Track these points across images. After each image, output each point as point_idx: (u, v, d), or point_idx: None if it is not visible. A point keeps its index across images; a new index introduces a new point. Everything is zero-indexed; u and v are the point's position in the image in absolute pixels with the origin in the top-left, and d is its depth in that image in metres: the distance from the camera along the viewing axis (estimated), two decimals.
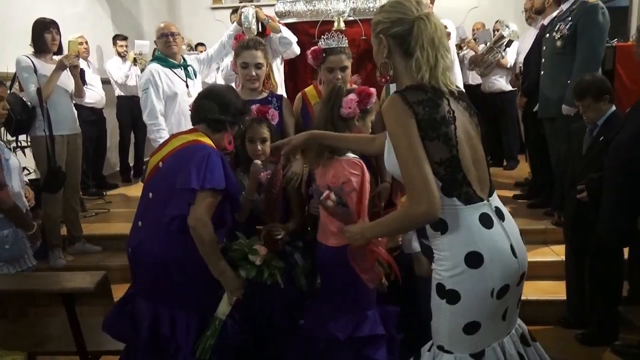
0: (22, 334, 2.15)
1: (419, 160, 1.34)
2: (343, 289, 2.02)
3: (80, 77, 3.73)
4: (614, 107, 2.59)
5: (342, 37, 2.50)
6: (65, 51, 3.62)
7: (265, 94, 2.59)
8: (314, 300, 2.17)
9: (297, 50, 3.37)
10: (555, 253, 3.27)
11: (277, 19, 3.51)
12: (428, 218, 1.37)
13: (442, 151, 1.38)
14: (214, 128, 2.02)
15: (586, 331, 2.73)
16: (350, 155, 1.98)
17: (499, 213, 1.48)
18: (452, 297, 1.42)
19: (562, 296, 2.93)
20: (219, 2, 7.75)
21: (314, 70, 3.61)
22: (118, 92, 5.66)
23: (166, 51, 3.29)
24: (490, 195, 1.49)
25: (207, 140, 1.97)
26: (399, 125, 1.37)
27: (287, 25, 3.55)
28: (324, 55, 2.47)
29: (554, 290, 3.04)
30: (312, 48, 2.50)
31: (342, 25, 3.52)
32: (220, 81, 3.84)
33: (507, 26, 5.15)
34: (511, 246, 1.44)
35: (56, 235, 3.52)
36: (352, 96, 2.08)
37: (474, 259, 1.40)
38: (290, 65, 3.75)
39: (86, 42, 4.97)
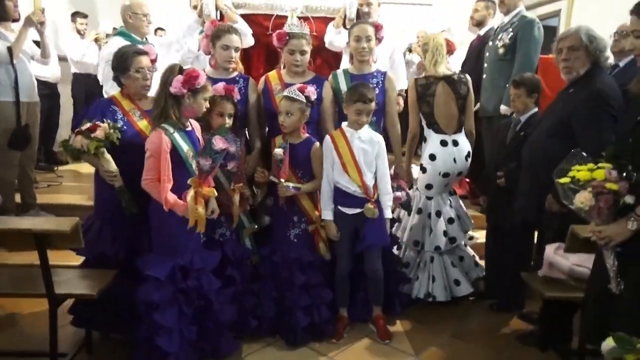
0: None
1: (414, 112, 3.11)
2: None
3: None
4: (537, 109, 3.00)
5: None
6: (22, 19, 3.64)
7: (234, 74, 2.85)
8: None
9: (251, 41, 3.52)
10: (480, 237, 3.69)
11: (234, 9, 3.71)
12: (413, 135, 3.16)
13: (426, 107, 3.04)
14: None
15: (498, 301, 3.15)
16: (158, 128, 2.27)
17: (455, 142, 3.08)
18: (423, 170, 3.12)
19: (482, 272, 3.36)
20: None
21: (267, 59, 3.87)
22: (73, 69, 5.65)
23: (141, 29, 3.45)
24: (454, 133, 3.08)
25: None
26: (410, 97, 3.12)
27: (242, 16, 3.73)
28: (287, 38, 2.76)
29: None
30: (278, 31, 2.78)
31: (295, 20, 3.78)
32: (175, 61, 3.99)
33: (453, 35, 5.59)
34: (454, 158, 3.07)
35: (10, 200, 3.58)
36: (179, 77, 2.27)
37: (432, 156, 3.07)
38: (245, 55, 3.92)
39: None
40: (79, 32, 5.66)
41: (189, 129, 2.39)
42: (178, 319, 2.29)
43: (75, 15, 5.72)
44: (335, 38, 3.60)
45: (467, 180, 3.46)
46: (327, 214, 2.71)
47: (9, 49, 3.40)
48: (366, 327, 2.89)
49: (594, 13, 5.41)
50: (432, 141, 3.08)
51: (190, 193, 2.24)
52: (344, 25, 3.59)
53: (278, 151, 2.57)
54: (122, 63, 2.50)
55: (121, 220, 2.49)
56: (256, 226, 2.80)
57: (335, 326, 2.79)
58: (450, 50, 3.12)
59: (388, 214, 2.74)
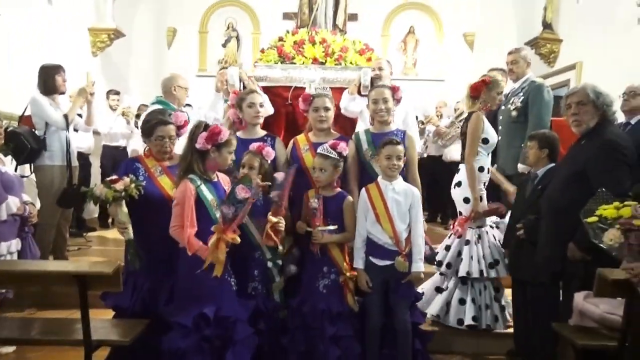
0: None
1: None
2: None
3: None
4: (553, 164, 3.06)
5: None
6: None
7: (262, 134, 3.10)
8: None
9: (270, 110, 3.73)
10: (506, 295, 3.64)
11: (256, 82, 4.01)
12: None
13: None
14: None
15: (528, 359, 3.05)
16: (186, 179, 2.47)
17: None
18: None
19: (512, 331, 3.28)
20: (204, 70, 8.43)
21: (287, 127, 4.12)
22: (103, 141, 6.00)
23: (181, 100, 3.81)
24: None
25: None
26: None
27: (263, 88, 3.99)
28: (311, 98, 3.05)
29: None
30: (303, 94, 3.09)
31: (313, 91, 4.04)
32: None
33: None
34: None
35: (45, 258, 3.68)
36: (203, 133, 2.48)
37: None
38: (265, 124, 3.76)
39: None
40: (111, 107, 6.07)
41: (215, 180, 2.56)
42: None
43: (109, 92, 6.17)
44: (350, 104, 3.84)
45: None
46: (359, 263, 2.77)
47: (65, 117, 3.73)
48: None
49: (600, 82, 5.64)
50: None
51: (213, 238, 2.36)
52: (359, 92, 3.85)
53: (313, 201, 2.71)
54: (147, 129, 2.71)
55: (143, 274, 2.58)
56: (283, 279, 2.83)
57: None
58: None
59: (416, 268, 2.73)
